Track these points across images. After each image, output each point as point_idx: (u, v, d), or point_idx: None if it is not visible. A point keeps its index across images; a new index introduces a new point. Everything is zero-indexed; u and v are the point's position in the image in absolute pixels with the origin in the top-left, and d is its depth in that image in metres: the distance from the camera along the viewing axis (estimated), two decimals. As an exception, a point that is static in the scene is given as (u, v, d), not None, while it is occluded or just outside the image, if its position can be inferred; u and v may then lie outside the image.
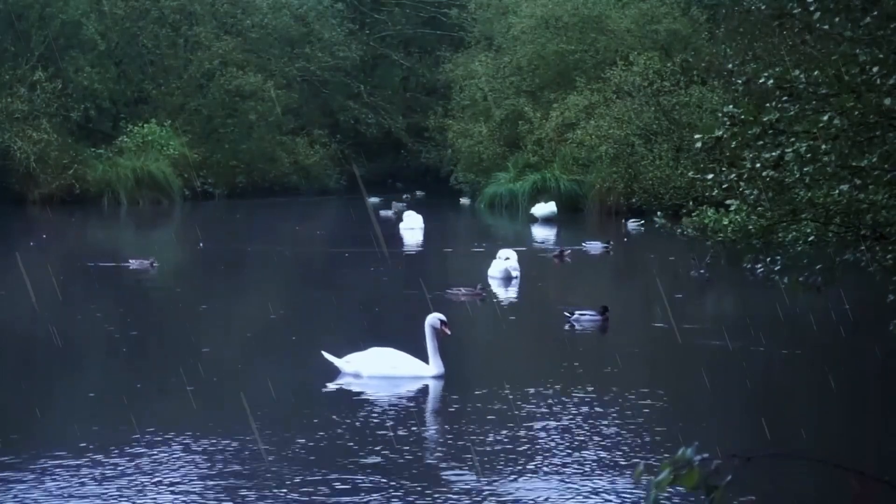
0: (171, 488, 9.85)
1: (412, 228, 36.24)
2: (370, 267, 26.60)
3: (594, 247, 28.79)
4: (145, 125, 48.15)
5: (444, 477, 10.18)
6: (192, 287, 23.97)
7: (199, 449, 10.97)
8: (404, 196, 50.45)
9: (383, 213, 43.26)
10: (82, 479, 9.99)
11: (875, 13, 10.68)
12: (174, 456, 10.74)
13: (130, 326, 17.92)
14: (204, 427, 11.68)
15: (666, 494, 7.87)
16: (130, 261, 24.29)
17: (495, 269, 23.70)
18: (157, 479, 10.06)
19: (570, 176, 42.78)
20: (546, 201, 40.60)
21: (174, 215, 45.59)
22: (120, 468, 10.34)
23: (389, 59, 63.65)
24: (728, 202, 11.85)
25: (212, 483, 10.05)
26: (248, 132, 52.66)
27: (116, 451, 10.82)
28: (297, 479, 10.09)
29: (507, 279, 23.41)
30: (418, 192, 54.08)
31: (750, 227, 11.94)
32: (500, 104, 47.65)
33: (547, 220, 39.60)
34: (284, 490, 9.84)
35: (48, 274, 23.35)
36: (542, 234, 36.69)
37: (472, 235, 37.59)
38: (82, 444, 11.04)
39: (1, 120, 44.59)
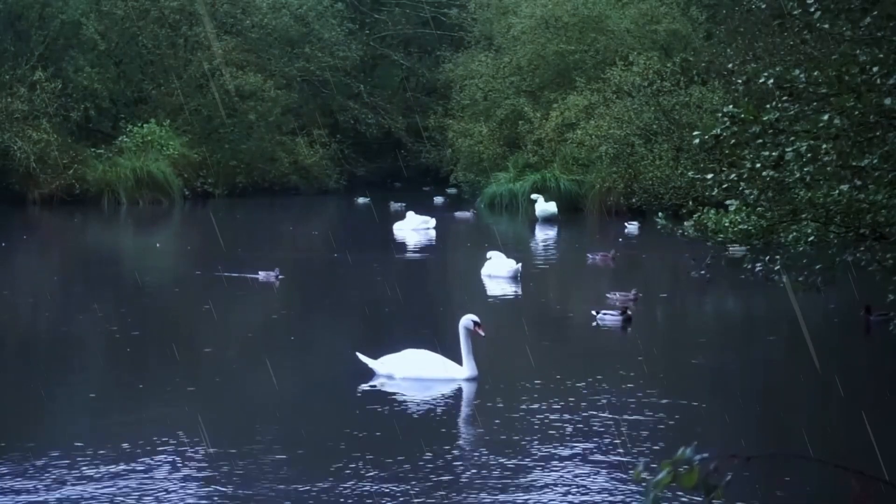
0: (173, 489, 9.84)
1: (402, 229, 35.90)
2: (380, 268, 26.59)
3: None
4: (145, 125, 48.12)
5: (470, 478, 10.18)
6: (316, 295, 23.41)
7: (218, 451, 10.97)
8: (437, 198, 50.10)
9: (459, 214, 43.05)
10: (84, 480, 9.98)
11: (875, 13, 10.68)
12: (180, 457, 10.74)
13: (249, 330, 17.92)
14: (227, 428, 11.70)
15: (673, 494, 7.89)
16: (259, 273, 23.64)
17: (500, 269, 23.66)
18: (159, 480, 10.06)
19: (570, 176, 42.74)
20: (546, 200, 40.48)
21: (175, 215, 45.58)
22: (123, 469, 10.34)
23: (389, 59, 63.63)
24: (728, 202, 11.84)
25: (220, 484, 10.05)
26: (248, 132, 52.62)
27: (118, 452, 10.82)
28: (318, 480, 10.09)
29: (514, 279, 23.41)
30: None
31: (750, 227, 11.94)
32: (501, 104, 47.63)
33: (547, 220, 39.56)
34: (300, 491, 9.84)
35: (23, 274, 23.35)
36: (543, 235, 36.68)
37: (480, 237, 37.54)
38: (79, 444, 11.04)
39: (1, 120, 44.54)
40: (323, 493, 9.73)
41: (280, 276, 23.13)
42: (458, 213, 43.22)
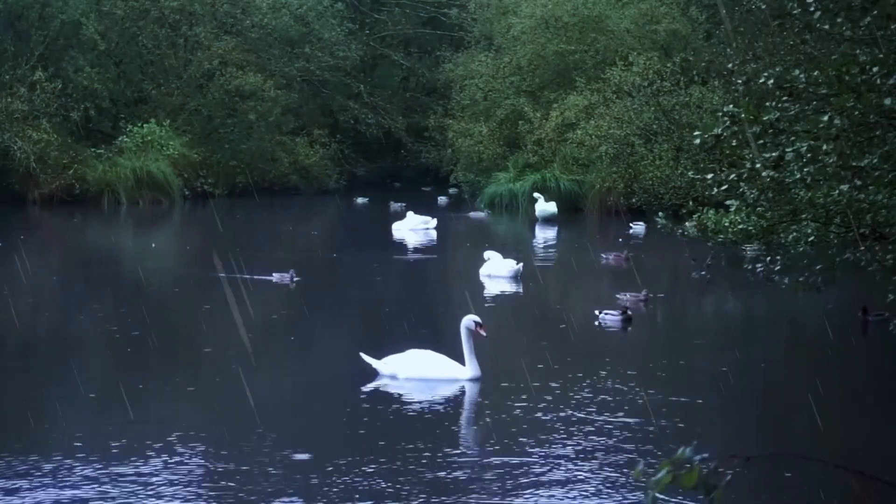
0: (173, 489, 9.84)
1: (400, 229, 35.79)
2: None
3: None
4: (145, 125, 48.12)
5: (472, 478, 10.18)
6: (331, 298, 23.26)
7: (222, 452, 10.97)
8: (441, 198, 50.60)
9: (474, 215, 43.09)
10: (83, 480, 9.98)
11: (875, 13, 10.68)
12: (179, 459, 10.74)
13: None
14: (227, 428, 11.71)
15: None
16: (273, 275, 23.45)
17: (501, 269, 23.64)
18: (159, 480, 10.06)
19: (570, 176, 42.73)
20: (546, 200, 40.48)
21: (175, 215, 45.57)
22: (122, 469, 10.33)
23: (389, 59, 63.62)
24: (728, 202, 11.85)
25: (220, 484, 10.05)
26: (248, 132, 52.60)
27: (118, 452, 10.82)
28: (319, 480, 10.09)
29: (514, 279, 23.41)
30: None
31: (750, 227, 11.94)
32: (501, 104, 47.62)
33: (547, 220, 39.56)
34: (301, 491, 9.84)
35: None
36: (543, 235, 36.67)
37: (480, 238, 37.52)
38: (79, 444, 11.04)
39: (1, 120, 44.54)
40: (324, 493, 9.73)
41: (296, 279, 22.97)
42: (473, 214, 43.27)
